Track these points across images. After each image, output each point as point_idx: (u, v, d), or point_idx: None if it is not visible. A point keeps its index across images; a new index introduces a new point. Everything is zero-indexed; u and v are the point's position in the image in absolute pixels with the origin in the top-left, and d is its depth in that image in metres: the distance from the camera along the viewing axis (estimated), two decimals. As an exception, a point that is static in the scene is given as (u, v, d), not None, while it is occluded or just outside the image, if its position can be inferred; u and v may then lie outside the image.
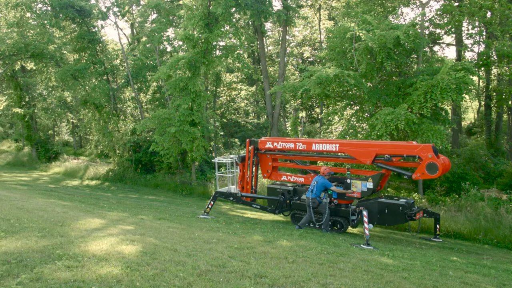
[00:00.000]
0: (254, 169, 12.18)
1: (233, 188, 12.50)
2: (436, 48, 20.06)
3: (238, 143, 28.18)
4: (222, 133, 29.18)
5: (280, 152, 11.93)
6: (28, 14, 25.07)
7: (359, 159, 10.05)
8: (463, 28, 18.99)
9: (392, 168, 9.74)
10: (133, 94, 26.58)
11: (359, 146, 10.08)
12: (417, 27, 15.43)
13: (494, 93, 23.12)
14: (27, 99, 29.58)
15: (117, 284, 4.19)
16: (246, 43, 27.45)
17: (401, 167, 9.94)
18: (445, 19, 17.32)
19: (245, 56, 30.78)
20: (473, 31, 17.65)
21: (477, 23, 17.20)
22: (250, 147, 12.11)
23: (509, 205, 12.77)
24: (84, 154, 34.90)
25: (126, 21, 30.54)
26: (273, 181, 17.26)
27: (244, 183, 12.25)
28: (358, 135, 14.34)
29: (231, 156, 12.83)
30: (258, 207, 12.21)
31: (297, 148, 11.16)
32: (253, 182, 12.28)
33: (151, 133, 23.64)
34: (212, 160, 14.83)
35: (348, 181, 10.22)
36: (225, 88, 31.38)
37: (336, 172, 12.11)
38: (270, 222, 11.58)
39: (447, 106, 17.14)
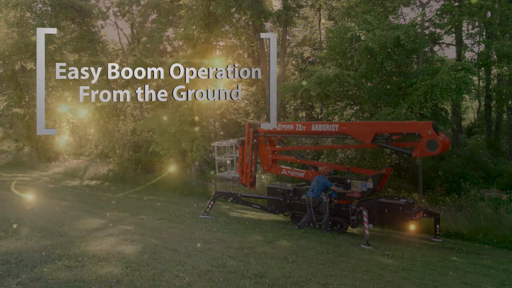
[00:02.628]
0: (253, 152, 11.89)
1: (233, 173, 12.41)
2: (436, 48, 20.03)
3: (238, 143, 28.10)
4: (222, 133, 29.15)
5: (279, 135, 11.69)
6: (28, 14, 25.04)
7: (359, 139, 9.91)
8: (463, 28, 18.98)
9: (392, 147, 9.69)
10: (133, 94, 26.53)
11: (358, 126, 10.05)
12: (417, 27, 15.41)
13: (494, 93, 23.09)
14: (27, 99, 29.54)
15: (117, 284, 4.19)
16: (246, 43, 27.43)
17: (401, 147, 9.88)
18: (445, 19, 17.30)
19: (245, 56, 30.76)
20: (473, 31, 17.64)
21: (477, 23, 17.17)
22: (249, 130, 11.81)
23: (509, 205, 12.77)
24: (84, 154, 34.85)
25: (126, 21, 30.51)
26: (273, 180, 17.23)
27: (244, 167, 12.03)
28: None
29: (230, 140, 12.71)
30: (258, 207, 12.19)
31: (297, 129, 10.96)
32: (252, 166, 12.03)
33: (151, 133, 23.63)
34: (212, 144, 14.74)
35: (348, 181, 10.21)
36: (225, 88, 31.28)
37: (336, 169, 12.08)
38: (270, 222, 11.57)
39: (447, 106, 17.13)
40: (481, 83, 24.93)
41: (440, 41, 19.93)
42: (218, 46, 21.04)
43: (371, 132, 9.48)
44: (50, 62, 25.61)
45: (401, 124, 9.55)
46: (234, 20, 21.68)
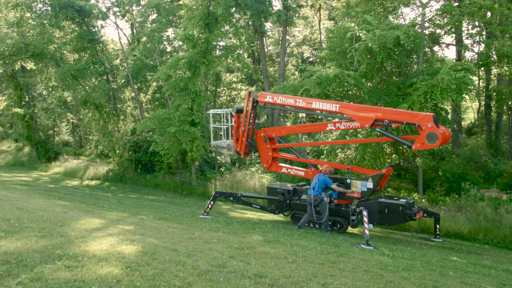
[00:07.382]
0: (251, 121, 11.62)
1: (228, 141, 12.28)
2: (436, 48, 20.05)
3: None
4: (221, 133, 29.17)
5: (279, 108, 11.54)
6: (28, 14, 25.04)
7: (358, 122, 9.74)
8: (463, 28, 18.98)
9: (391, 136, 9.61)
10: (133, 94, 26.58)
11: (359, 109, 9.78)
12: (417, 27, 15.42)
13: (494, 93, 23.11)
14: (27, 99, 29.57)
15: (117, 284, 4.19)
16: (246, 43, 27.43)
17: (402, 138, 9.74)
18: (445, 19, 17.31)
19: (245, 56, 30.78)
20: (473, 31, 17.65)
21: (477, 23, 17.18)
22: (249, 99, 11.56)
23: (509, 205, 12.77)
24: (84, 154, 34.87)
25: (126, 21, 30.55)
26: (273, 179, 17.23)
27: (240, 135, 11.81)
28: (358, 135, 14.36)
29: (226, 109, 12.59)
30: (258, 207, 12.19)
31: (297, 104, 10.71)
32: (248, 134, 11.75)
33: (151, 133, 23.64)
34: (207, 112, 14.58)
35: (348, 181, 10.21)
36: (225, 88, 31.35)
37: (337, 168, 12.07)
38: (270, 222, 11.58)
39: (447, 106, 17.14)
40: (481, 83, 24.96)
41: (440, 41, 19.95)
42: (218, 46, 21.03)
43: (371, 117, 9.33)
44: (50, 61, 25.72)
45: (402, 113, 9.33)
46: (234, 20, 21.68)
